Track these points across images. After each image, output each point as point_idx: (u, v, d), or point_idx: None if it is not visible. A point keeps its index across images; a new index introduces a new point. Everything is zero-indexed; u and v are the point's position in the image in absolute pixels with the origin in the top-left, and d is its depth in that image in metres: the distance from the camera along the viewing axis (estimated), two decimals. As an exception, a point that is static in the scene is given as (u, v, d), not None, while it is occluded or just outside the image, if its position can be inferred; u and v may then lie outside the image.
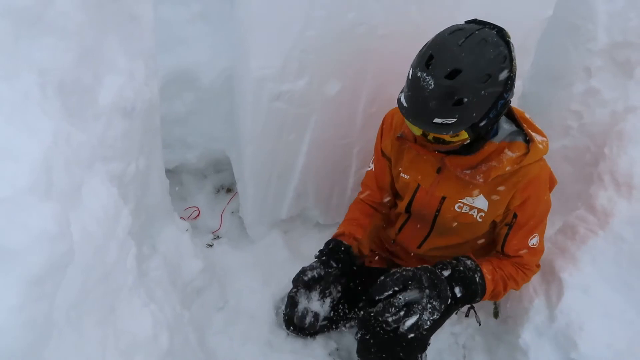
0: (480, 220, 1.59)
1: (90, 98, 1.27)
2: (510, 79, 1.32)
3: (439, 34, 1.34)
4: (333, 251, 1.75)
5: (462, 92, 1.26)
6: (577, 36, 1.99)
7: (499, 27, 1.34)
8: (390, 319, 1.38)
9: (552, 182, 1.59)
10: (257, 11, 1.68)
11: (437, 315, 1.42)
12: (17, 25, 1.04)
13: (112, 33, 1.40)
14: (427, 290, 1.42)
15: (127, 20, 1.46)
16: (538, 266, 1.67)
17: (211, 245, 2.25)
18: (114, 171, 1.32)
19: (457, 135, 1.36)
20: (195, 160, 2.37)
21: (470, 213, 1.58)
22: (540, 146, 1.47)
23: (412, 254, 1.86)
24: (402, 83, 1.89)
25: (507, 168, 1.46)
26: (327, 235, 2.35)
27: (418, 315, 1.39)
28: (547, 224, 1.62)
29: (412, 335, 1.42)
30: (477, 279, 1.54)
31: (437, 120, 1.30)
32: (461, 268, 1.54)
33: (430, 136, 1.42)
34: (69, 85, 1.16)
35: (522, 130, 1.51)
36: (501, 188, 1.51)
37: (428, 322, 1.40)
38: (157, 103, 1.68)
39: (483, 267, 1.58)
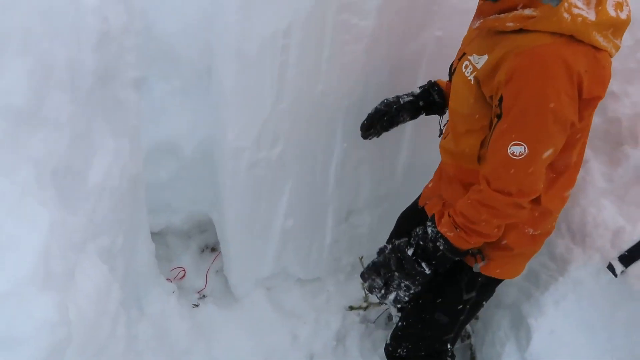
0: (471, 79, 1.33)
1: (80, 180, 1.39)
2: None
3: None
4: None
5: None
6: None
7: None
8: (377, 295, 1.56)
9: (587, 92, 1.19)
10: (233, 87, 1.84)
11: (414, 289, 1.50)
12: (15, 123, 1.16)
13: (100, 117, 1.53)
14: (396, 273, 1.51)
15: (113, 104, 1.60)
16: (511, 194, 1.27)
17: (197, 305, 2.31)
18: (103, 246, 1.42)
19: None
20: (180, 223, 2.47)
21: (469, 78, 1.34)
22: (566, 15, 1.14)
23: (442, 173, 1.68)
24: (368, 146, 2.05)
25: (508, 24, 1.21)
26: (309, 290, 2.46)
27: (395, 292, 1.52)
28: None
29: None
30: (440, 246, 1.42)
31: None
32: (420, 242, 1.46)
33: None
34: (62, 171, 1.28)
35: None
36: (497, 51, 1.24)
37: (406, 297, 1.51)
38: (141, 176, 1.80)
39: (442, 227, 1.41)
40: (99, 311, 1.06)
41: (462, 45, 1.52)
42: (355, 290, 2.41)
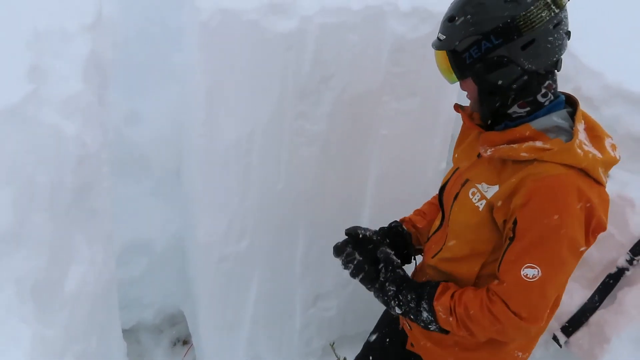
0: (480, 207, 1.34)
1: (57, 291, 1.47)
2: (509, 27, 1.22)
3: None
4: (390, 231, 1.71)
5: (456, 10, 1.29)
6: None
7: None
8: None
9: (596, 223, 1.26)
10: (201, 188, 1.99)
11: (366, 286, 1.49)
12: (-1, 246, 1.27)
13: (76, 229, 1.63)
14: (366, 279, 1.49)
15: (88, 215, 1.71)
16: (522, 318, 1.26)
17: (169, 402, 2.32)
18: (78, 352, 1.48)
19: (443, 60, 1.32)
20: (152, 317, 2.52)
21: (477, 205, 1.35)
22: (579, 151, 1.23)
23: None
24: (329, 235, 2.20)
25: (523, 154, 1.26)
26: (281, 377, 2.49)
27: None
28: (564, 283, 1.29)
29: None
30: (423, 315, 1.40)
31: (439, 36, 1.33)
32: (408, 296, 1.42)
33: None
34: (41, 285, 1.36)
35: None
36: (513, 180, 1.28)
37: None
38: (114, 279, 1.88)
39: (437, 304, 1.38)
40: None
41: (456, 163, 1.54)
42: (327, 374, 2.46)
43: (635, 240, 1.67)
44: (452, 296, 1.37)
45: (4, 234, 1.27)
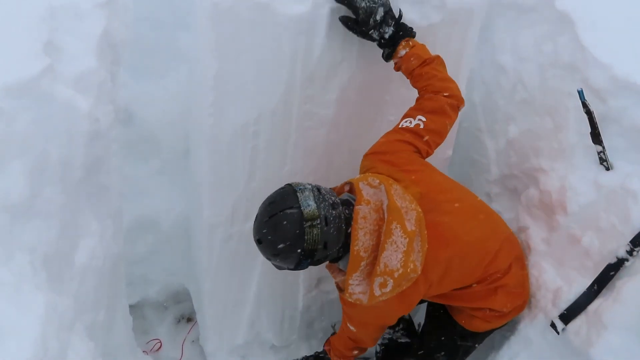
0: None
1: (67, 262, 1.51)
2: (305, 255, 1.54)
3: (270, 196, 1.65)
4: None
5: (266, 254, 1.62)
6: (476, 168, 2.44)
7: (302, 211, 1.51)
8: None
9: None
10: (208, 168, 2.02)
11: None
12: (13, 216, 1.30)
13: (87, 203, 1.67)
14: None
15: (98, 190, 1.75)
16: (354, 341, 2.01)
17: (173, 377, 2.37)
18: (87, 323, 1.52)
19: None
20: (157, 294, 2.57)
21: None
22: (350, 300, 1.63)
23: None
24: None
25: (334, 283, 1.77)
26: (283, 357, 2.54)
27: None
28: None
29: None
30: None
31: None
32: None
33: None
34: (52, 256, 1.41)
35: None
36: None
37: None
38: (121, 254, 1.92)
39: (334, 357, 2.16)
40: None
41: None
42: (327, 355, 2.51)
43: (637, 231, 1.68)
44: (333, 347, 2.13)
45: (18, 205, 1.31)
